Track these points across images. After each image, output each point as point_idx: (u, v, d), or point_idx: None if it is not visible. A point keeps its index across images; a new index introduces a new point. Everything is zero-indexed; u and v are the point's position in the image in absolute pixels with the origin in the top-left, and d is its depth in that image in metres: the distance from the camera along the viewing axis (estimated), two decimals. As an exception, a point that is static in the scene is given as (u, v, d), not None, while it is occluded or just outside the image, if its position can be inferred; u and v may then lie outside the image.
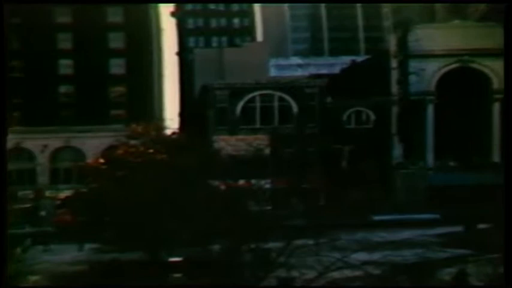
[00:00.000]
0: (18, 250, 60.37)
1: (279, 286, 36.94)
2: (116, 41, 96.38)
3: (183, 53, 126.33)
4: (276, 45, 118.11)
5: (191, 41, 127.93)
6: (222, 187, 53.48)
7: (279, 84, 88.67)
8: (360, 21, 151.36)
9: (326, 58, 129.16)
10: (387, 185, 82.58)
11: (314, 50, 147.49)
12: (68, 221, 68.01)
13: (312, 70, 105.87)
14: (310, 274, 37.06)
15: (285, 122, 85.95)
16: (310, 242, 50.63)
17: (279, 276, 37.38)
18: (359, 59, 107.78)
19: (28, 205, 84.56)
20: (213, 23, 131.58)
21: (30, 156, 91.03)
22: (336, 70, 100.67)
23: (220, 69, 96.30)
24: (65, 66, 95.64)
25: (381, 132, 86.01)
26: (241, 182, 56.20)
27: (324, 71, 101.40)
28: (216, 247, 48.55)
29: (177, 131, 78.52)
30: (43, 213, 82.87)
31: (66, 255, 54.76)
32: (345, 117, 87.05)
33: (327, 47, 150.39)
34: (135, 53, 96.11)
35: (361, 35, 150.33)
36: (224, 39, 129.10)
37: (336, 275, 34.84)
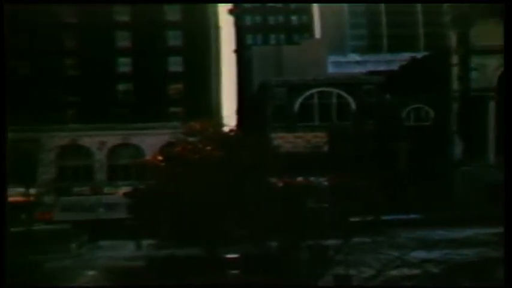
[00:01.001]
0: (74, 246, 61.19)
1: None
2: (174, 39, 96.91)
3: (240, 50, 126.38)
4: (334, 42, 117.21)
5: (249, 39, 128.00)
6: (280, 184, 53.25)
7: (337, 81, 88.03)
8: (420, 17, 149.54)
9: (384, 55, 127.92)
10: (447, 183, 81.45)
11: (372, 46, 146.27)
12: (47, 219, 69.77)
13: (370, 67, 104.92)
14: (368, 272, 36.63)
15: (343, 119, 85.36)
16: (369, 239, 50.21)
17: (337, 274, 36.91)
18: (418, 55, 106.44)
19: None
20: (271, 20, 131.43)
21: (87, 153, 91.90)
22: (395, 67, 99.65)
23: (278, 67, 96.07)
24: (124, 64, 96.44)
25: (440, 129, 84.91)
26: (299, 179, 55.94)
27: (382, 68, 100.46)
28: (274, 244, 48.40)
29: (234, 128, 78.21)
30: (101, 210, 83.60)
31: (124, 251, 55.06)
32: (403, 114, 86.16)
33: (385, 44, 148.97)
34: (193, 50, 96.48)
35: (420, 31, 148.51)
36: (282, 36, 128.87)
37: (394, 273, 34.35)
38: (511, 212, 26.65)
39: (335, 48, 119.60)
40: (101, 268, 47.25)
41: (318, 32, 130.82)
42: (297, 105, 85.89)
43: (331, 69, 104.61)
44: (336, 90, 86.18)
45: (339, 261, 41.10)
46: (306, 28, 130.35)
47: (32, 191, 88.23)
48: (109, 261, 50.83)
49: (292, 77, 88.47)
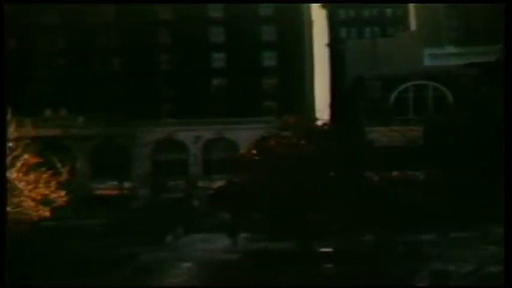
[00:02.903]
0: (170, 238, 61.93)
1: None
2: (268, 34, 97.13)
3: (334, 44, 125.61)
4: (429, 34, 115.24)
5: (343, 32, 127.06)
6: (375, 178, 52.73)
7: (433, 74, 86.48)
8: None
9: (482, 46, 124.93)
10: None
11: (469, 38, 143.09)
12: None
13: (468, 59, 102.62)
14: (467, 268, 35.89)
15: (439, 112, 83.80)
16: (467, 234, 49.19)
17: (434, 270, 36.23)
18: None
19: (180, 195, 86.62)
20: (365, 13, 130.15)
21: (182, 147, 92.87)
22: (493, 59, 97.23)
23: (373, 60, 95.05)
24: (218, 59, 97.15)
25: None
26: (395, 173, 55.24)
27: (480, 60, 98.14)
28: (368, 238, 47.95)
29: (328, 122, 77.82)
30: (196, 203, 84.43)
31: (220, 244, 55.43)
32: (502, 107, 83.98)
33: (482, 35, 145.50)
34: (286, 45, 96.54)
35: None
36: (377, 29, 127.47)
37: (493, 269, 33.51)
38: (511, 212, 26.02)
39: (431, 40, 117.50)
40: (196, 260, 47.62)
41: (413, 24, 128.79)
42: (391, 99, 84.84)
43: (427, 62, 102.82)
44: (432, 83, 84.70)
45: (435, 257, 40.44)
46: (401, 20, 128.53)
47: (127, 184, 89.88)
48: (204, 254, 51.20)
49: (387, 70, 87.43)
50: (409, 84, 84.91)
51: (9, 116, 49.51)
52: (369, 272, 38.20)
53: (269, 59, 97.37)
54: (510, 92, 32.43)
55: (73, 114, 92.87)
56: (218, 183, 73.01)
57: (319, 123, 67.92)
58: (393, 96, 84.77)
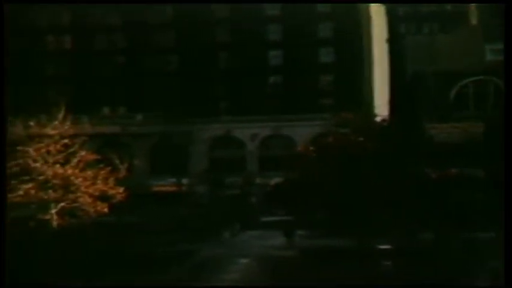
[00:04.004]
0: (227, 234, 62.02)
1: None
2: (325, 30, 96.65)
3: (393, 40, 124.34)
4: (491, 29, 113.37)
5: (402, 28, 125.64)
6: (434, 175, 52.02)
7: (495, 70, 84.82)
8: None
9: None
10: None
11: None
12: None
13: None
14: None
15: (500, 108, 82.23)
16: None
17: (493, 268, 35.48)
18: None
19: (237, 192, 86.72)
20: (424, 8, 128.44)
21: (240, 144, 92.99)
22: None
23: (433, 55, 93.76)
24: (275, 56, 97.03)
25: None
26: (454, 170, 54.40)
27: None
28: (427, 236, 47.29)
29: (386, 118, 77.05)
30: (252, 200, 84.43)
31: (276, 241, 55.29)
32: None
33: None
34: (344, 41, 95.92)
35: None
36: (436, 24, 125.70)
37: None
38: (511, 212, 25.35)
39: (492, 35, 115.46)
40: (254, 257, 47.55)
41: (474, 19, 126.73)
42: (451, 95, 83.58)
43: (488, 57, 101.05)
44: (493, 79, 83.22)
45: (493, 255, 39.62)
46: (461, 15, 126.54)
47: (185, 181, 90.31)
48: (261, 250, 51.11)
49: (446, 66, 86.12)
50: (470, 80, 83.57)
51: (62, 114, 50.09)
52: (428, 269, 37.62)
53: (326, 55, 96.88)
54: (510, 92, 31.69)
55: (131, 112, 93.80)
56: (275, 180, 72.94)
57: (377, 119, 67.33)
58: (453, 92, 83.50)
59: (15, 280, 29.84)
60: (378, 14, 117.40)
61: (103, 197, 48.99)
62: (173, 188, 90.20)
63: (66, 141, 49.00)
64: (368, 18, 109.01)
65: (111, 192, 49.32)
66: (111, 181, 49.76)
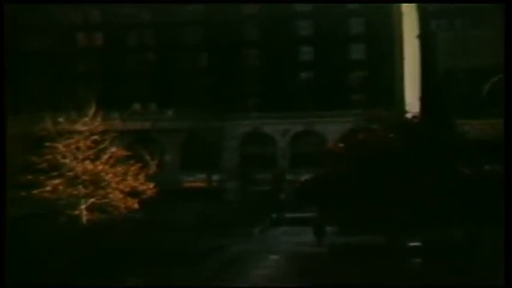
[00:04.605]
0: (257, 230, 62.03)
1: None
2: (356, 26, 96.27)
3: (424, 36, 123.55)
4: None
5: (433, 24, 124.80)
6: (466, 173, 51.50)
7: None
8: None
9: None
10: None
11: None
12: None
13: None
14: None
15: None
16: None
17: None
18: None
19: (268, 188, 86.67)
20: (455, 4, 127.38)
21: (270, 140, 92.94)
22: None
23: (464, 52, 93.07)
24: (306, 52, 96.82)
25: None
26: (486, 167, 53.82)
27: None
28: (458, 234, 46.86)
29: (418, 115, 76.49)
30: (283, 196, 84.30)
31: (306, 237, 55.20)
32: None
33: None
34: (375, 38, 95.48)
35: None
36: (468, 20, 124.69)
37: None
38: (511, 212, 24.99)
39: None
40: (283, 253, 47.53)
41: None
42: (483, 91, 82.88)
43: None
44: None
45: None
46: (493, 10, 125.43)
47: (215, 177, 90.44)
48: (291, 247, 51.06)
49: (478, 62, 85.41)
50: (502, 76, 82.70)
51: (93, 110, 50.38)
52: (458, 267, 37.30)
53: (358, 52, 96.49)
54: (510, 92, 31.27)
55: (162, 108, 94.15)
56: (305, 177, 72.68)
57: (408, 116, 66.85)
58: (485, 88, 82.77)
59: (51, 278, 29.91)
60: (408, 10, 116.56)
61: (133, 193, 49.23)
62: (203, 184, 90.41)
63: (96, 137, 49.32)
64: (400, 14, 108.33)
65: (142, 188, 49.59)
66: (141, 177, 50.05)
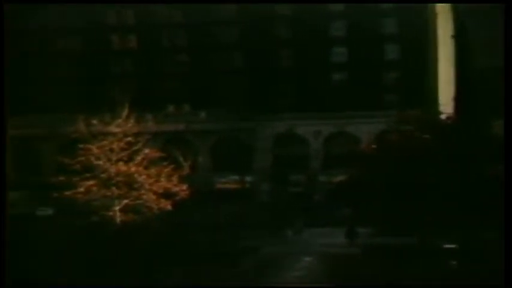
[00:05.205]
0: (290, 232, 61.94)
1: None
2: (390, 26, 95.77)
3: (458, 35, 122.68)
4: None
5: (467, 23, 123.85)
6: (501, 173, 51.00)
7: None
8: None
9: None
10: None
11: None
12: None
13: None
14: None
15: None
16: None
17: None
18: None
19: (301, 189, 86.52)
20: (489, 3, 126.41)
21: (303, 141, 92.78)
22: None
23: (499, 51, 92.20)
24: (339, 53, 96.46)
25: None
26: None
27: None
28: (492, 235, 46.39)
29: (452, 115, 75.94)
30: (316, 197, 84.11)
31: (339, 238, 55.05)
32: None
33: None
34: (409, 38, 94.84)
35: None
36: (502, 19, 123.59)
37: None
38: (511, 212, 24.64)
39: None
40: (316, 254, 47.45)
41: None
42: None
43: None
44: None
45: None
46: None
47: (248, 178, 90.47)
48: (324, 248, 50.94)
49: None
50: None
51: (126, 112, 50.61)
52: (492, 268, 36.88)
53: (391, 52, 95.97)
54: (510, 92, 31.01)
55: (195, 109, 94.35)
56: (338, 178, 72.53)
57: (442, 116, 66.46)
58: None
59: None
60: (442, 10, 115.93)
61: (166, 194, 49.39)
62: (236, 186, 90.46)
63: (129, 139, 49.55)
64: (434, 14, 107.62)
65: (175, 189, 49.71)
66: (174, 178, 50.17)
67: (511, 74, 31.16)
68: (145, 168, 49.41)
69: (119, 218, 48.35)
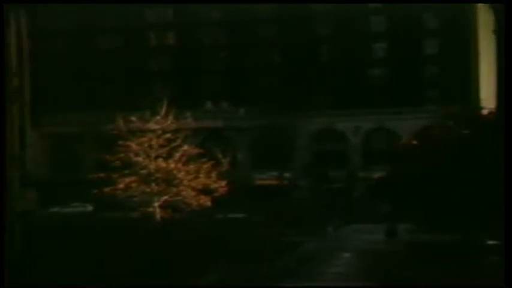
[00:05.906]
0: (330, 228, 61.68)
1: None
2: (430, 22, 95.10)
3: (501, 30, 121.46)
4: None
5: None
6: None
7: None
8: None
9: None
10: None
11: None
12: None
13: None
14: None
15: None
16: None
17: None
18: None
19: (341, 185, 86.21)
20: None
21: (343, 137, 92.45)
22: None
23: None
24: (379, 49, 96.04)
25: None
26: None
27: None
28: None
29: (494, 111, 75.03)
30: (356, 193, 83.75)
31: (379, 235, 54.64)
32: None
33: None
34: (449, 33, 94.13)
35: None
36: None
37: None
38: (511, 213, 23.93)
39: None
40: (356, 251, 47.10)
41: None
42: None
43: None
44: None
45: None
46: None
47: (288, 175, 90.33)
48: (364, 244, 50.58)
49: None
50: None
51: (165, 109, 50.74)
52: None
53: (432, 47, 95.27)
54: (510, 92, 30.16)
55: (234, 106, 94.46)
56: (379, 174, 72.07)
57: (484, 112, 65.71)
58: None
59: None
60: (484, 5, 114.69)
61: (206, 191, 49.44)
62: (275, 182, 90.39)
63: (168, 135, 49.69)
64: (475, 9, 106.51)
65: (214, 186, 49.76)
66: (213, 175, 50.22)
67: (511, 74, 30.54)
68: (184, 164, 49.54)
69: (158, 214, 48.52)
